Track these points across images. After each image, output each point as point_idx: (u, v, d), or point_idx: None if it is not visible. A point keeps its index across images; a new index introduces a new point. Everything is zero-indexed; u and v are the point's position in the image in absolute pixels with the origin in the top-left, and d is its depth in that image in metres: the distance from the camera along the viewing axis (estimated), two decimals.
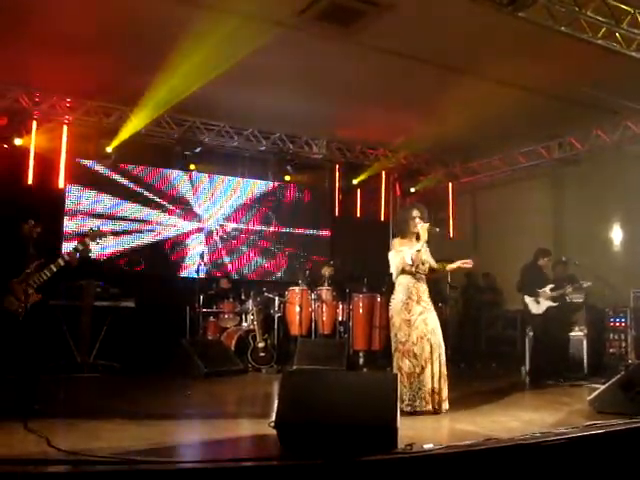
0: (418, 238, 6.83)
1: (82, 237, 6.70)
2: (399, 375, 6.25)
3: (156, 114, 10.93)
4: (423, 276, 6.84)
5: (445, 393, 6.58)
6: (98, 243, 6.89)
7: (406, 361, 6.54)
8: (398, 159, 13.69)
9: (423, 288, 6.81)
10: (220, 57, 8.30)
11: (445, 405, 6.53)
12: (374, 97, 10.29)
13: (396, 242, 6.93)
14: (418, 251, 6.74)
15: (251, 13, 7.67)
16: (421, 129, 11.65)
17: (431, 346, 6.59)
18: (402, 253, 6.79)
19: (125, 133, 11.00)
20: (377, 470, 4.25)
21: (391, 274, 6.99)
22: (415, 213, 6.91)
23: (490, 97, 9.90)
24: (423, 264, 6.82)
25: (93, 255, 9.21)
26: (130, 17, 7.83)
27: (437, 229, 7.04)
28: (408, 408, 6.36)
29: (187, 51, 8.27)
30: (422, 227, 6.81)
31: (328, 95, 10.26)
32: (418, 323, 6.63)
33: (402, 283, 6.78)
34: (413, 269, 6.75)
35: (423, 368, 6.51)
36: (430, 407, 6.44)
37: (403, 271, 6.78)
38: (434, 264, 6.96)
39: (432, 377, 6.52)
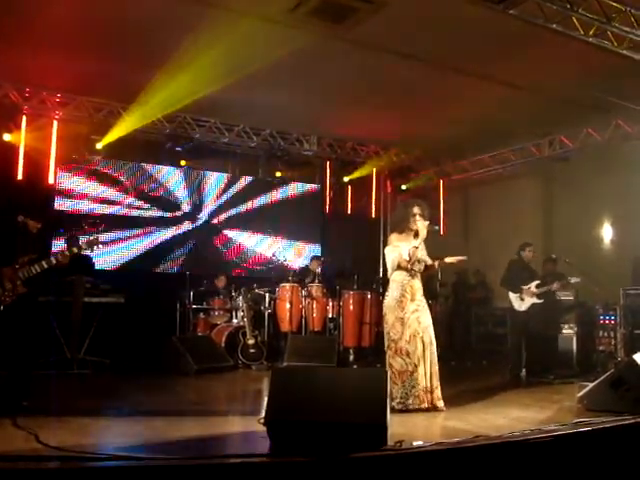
0: (416, 235, 6.75)
1: (76, 241, 6.71)
2: (390, 373, 6.28)
3: (154, 116, 10.92)
4: (418, 274, 6.77)
5: (439, 391, 6.57)
6: (93, 250, 6.94)
7: (398, 359, 6.50)
8: (389, 157, 13.71)
9: (417, 286, 6.73)
10: (213, 55, 8.29)
11: (440, 403, 6.52)
12: (365, 94, 10.28)
13: (393, 237, 6.83)
14: (415, 247, 6.69)
15: (242, 10, 7.65)
16: (413, 126, 11.68)
17: (423, 344, 6.55)
18: (399, 248, 6.72)
19: (118, 131, 10.96)
20: (367, 467, 4.25)
21: (384, 270, 6.95)
22: (416, 210, 6.83)
23: (481, 95, 9.94)
24: (419, 262, 6.75)
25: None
26: (120, 13, 7.79)
27: (436, 227, 6.96)
28: (400, 406, 6.34)
29: (181, 50, 8.26)
30: (422, 224, 6.74)
31: (319, 92, 10.25)
32: (411, 321, 6.57)
33: (396, 280, 6.70)
34: (409, 265, 6.67)
35: (416, 366, 6.47)
36: (425, 405, 6.42)
37: (399, 267, 6.70)
38: (429, 262, 6.90)
39: (425, 375, 6.50)
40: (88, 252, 7.08)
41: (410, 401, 6.40)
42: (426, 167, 14.28)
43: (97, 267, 10.80)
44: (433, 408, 6.44)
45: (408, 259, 6.67)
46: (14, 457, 3.97)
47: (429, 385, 6.50)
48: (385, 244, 7.06)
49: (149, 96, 10.00)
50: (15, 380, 5.86)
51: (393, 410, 5.91)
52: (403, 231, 6.82)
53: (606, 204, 11.16)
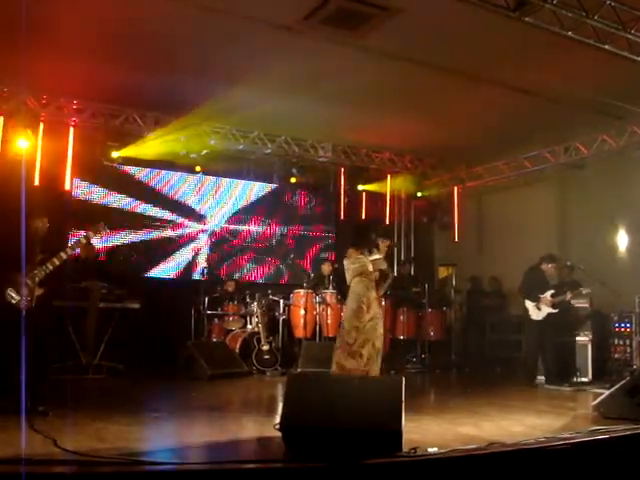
0: (370, 251, 7.66)
1: (85, 231, 6.73)
2: (341, 371, 7.06)
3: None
4: (373, 284, 7.52)
5: None
6: (101, 237, 6.97)
7: (351, 360, 7.20)
8: (404, 164, 13.72)
9: (373, 297, 7.49)
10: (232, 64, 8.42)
11: None
12: (380, 101, 10.28)
13: (352, 251, 7.73)
14: (377, 259, 7.62)
15: (257, 17, 7.70)
16: (427, 133, 11.68)
17: (375, 350, 7.28)
18: (362, 260, 7.58)
19: (140, 150, 11.22)
20: (381, 473, 4.25)
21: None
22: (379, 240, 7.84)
23: (496, 101, 9.94)
24: (379, 272, 7.62)
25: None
26: (136, 19, 7.85)
27: (394, 247, 7.98)
28: None
29: (196, 56, 8.35)
30: (383, 242, 7.80)
31: (334, 99, 10.24)
32: (367, 328, 7.31)
33: (355, 292, 7.48)
34: (372, 275, 7.49)
35: (367, 371, 7.14)
36: None
37: (359, 275, 7.49)
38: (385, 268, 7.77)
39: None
40: (96, 239, 7.05)
41: None
42: (440, 174, 14.27)
43: (111, 272, 10.88)
44: None
45: (372, 269, 7.54)
46: (33, 461, 4.01)
47: None
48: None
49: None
50: (32, 385, 5.89)
51: None
52: (362, 248, 7.72)
53: (621, 211, 11.09)
